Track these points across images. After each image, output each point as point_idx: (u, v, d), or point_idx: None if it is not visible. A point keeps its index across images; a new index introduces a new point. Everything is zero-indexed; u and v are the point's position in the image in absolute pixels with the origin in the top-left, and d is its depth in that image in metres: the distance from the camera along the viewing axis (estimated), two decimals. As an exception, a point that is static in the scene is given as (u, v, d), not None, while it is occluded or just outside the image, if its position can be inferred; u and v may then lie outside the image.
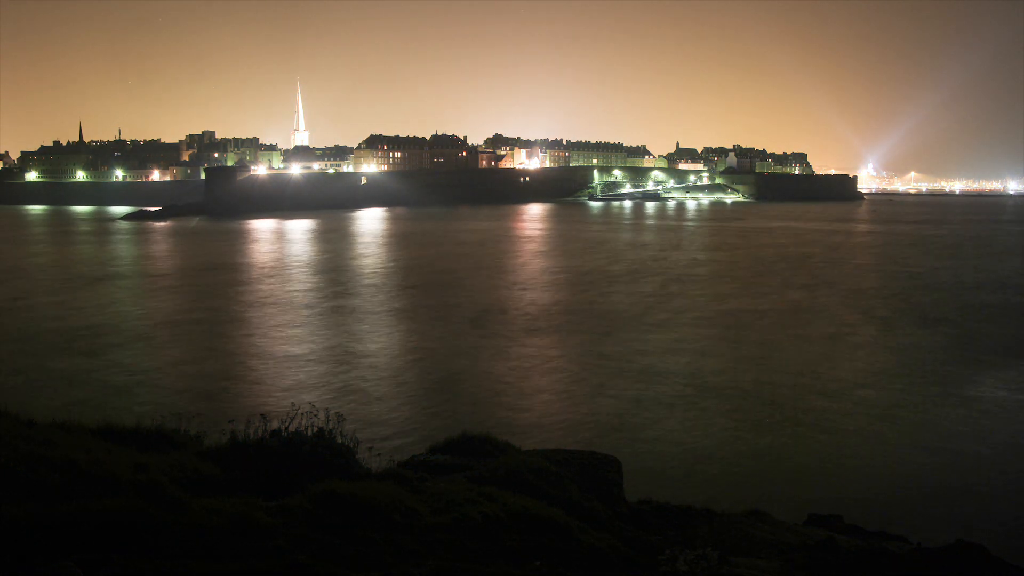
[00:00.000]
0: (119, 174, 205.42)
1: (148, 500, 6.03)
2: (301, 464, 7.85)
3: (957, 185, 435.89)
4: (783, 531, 9.51)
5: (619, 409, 24.47)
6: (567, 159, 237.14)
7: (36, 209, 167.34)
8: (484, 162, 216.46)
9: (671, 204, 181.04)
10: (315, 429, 8.50)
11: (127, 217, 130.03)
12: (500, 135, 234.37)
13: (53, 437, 7.44)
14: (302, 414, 8.59)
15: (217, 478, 7.44)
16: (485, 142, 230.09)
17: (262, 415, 8.57)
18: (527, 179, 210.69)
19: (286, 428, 8.38)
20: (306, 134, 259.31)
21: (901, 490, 18.35)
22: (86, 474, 6.51)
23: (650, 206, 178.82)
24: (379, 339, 35.22)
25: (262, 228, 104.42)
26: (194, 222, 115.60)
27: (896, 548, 8.59)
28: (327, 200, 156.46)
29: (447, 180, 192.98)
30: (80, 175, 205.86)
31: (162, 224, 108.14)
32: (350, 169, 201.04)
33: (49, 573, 4.83)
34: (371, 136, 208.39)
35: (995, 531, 15.64)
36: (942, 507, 17.46)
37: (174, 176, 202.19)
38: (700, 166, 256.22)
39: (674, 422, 23.22)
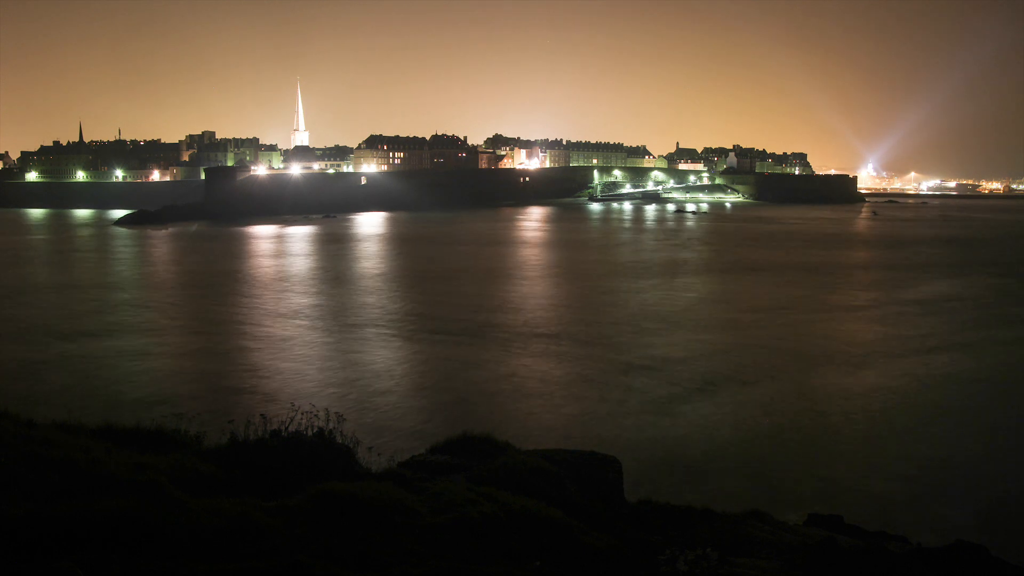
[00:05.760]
0: (119, 174, 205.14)
1: (148, 500, 6.03)
2: (301, 464, 7.84)
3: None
4: (783, 531, 9.51)
5: (619, 410, 24.47)
6: (567, 159, 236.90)
7: (36, 213, 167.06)
8: (484, 162, 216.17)
9: (671, 207, 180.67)
10: (315, 429, 8.49)
11: (124, 221, 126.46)
12: (500, 135, 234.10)
13: (53, 437, 7.44)
14: (302, 414, 8.58)
15: (217, 478, 7.43)
16: (485, 142, 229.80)
17: (262, 415, 8.56)
18: (527, 179, 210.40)
19: (286, 428, 8.37)
20: (306, 134, 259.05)
21: (901, 490, 18.35)
22: (86, 474, 6.51)
23: (650, 209, 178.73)
24: (379, 341, 35.21)
25: (262, 234, 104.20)
26: (193, 227, 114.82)
27: (896, 548, 8.59)
28: (327, 202, 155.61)
29: (447, 180, 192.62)
30: (80, 175, 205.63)
31: (160, 232, 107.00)
32: (350, 169, 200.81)
33: (49, 573, 4.83)
34: (371, 136, 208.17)
35: (995, 531, 15.64)
36: (942, 507, 17.46)
37: (174, 176, 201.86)
38: (700, 166, 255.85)
39: (674, 423, 23.22)
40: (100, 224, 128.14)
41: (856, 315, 42.55)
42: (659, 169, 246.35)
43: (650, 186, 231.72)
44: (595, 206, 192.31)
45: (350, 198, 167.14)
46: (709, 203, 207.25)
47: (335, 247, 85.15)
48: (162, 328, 38.64)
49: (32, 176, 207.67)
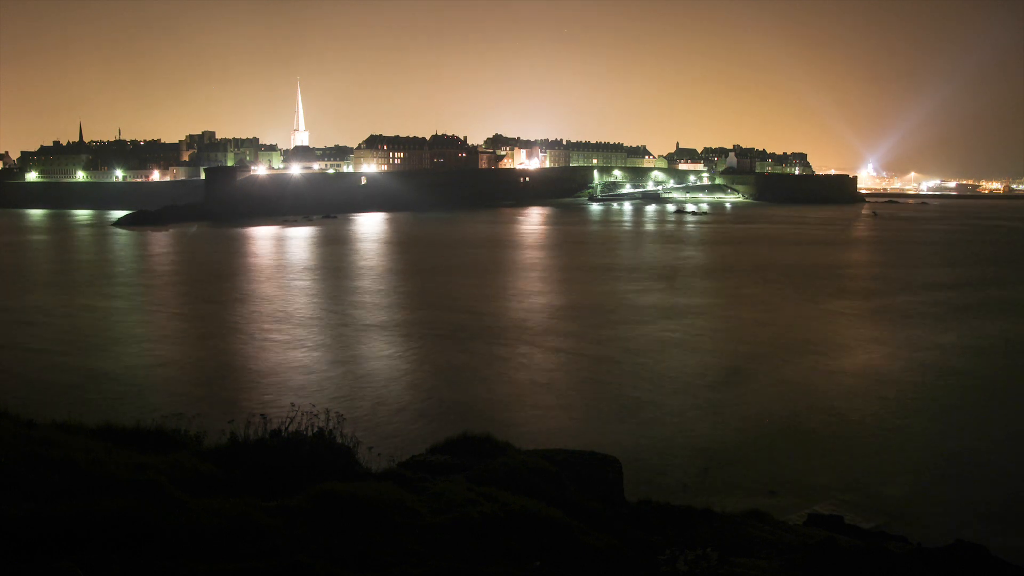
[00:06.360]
0: (119, 174, 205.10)
1: (148, 500, 6.03)
2: (301, 464, 7.84)
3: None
4: (783, 531, 9.51)
5: (619, 409, 24.47)
6: (567, 159, 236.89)
7: (36, 213, 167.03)
8: (484, 162, 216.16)
9: (671, 207, 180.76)
10: (315, 429, 8.49)
11: (124, 222, 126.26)
12: (500, 135, 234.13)
13: (53, 437, 7.44)
14: (302, 415, 8.58)
15: (217, 478, 7.43)
16: (485, 142, 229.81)
17: (262, 415, 8.56)
18: (527, 179, 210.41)
19: (286, 428, 8.37)
20: (306, 134, 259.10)
21: (901, 490, 18.35)
22: (86, 474, 6.51)
23: (650, 209, 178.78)
24: (379, 341, 35.22)
25: (263, 235, 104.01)
26: (193, 228, 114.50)
27: (896, 548, 8.59)
28: (327, 202, 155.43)
29: (447, 180, 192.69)
30: (80, 175, 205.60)
31: (160, 233, 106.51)
32: (350, 169, 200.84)
33: (49, 573, 4.83)
34: (371, 136, 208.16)
35: (995, 531, 15.64)
36: (942, 507, 17.46)
37: (174, 176, 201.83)
38: (700, 166, 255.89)
39: (674, 423, 23.22)
40: (99, 225, 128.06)
41: (856, 316, 42.55)
42: (659, 169, 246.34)
43: (650, 186, 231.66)
44: (595, 206, 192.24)
45: (350, 198, 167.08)
46: (709, 203, 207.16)
47: (335, 248, 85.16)
48: (162, 329, 38.64)
49: (32, 176, 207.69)
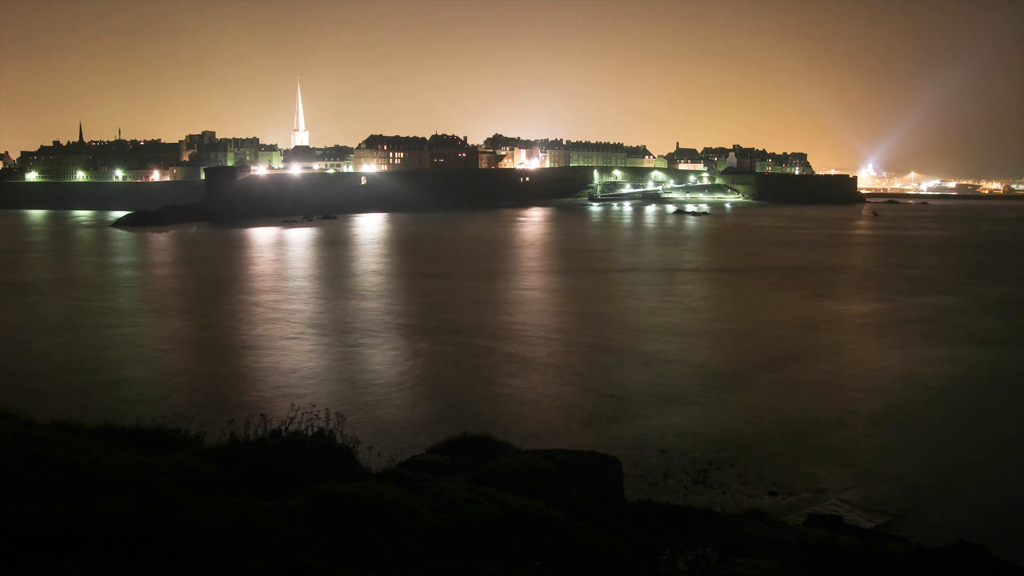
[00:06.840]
0: (119, 174, 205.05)
1: (148, 500, 6.03)
2: (301, 464, 7.85)
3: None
4: (783, 531, 9.51)
5: (620, 410, 24.47)
6: (567, 159, 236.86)
7: (36, 213, 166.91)
8: (484, 162, 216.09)
9: (671, 207, 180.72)
10: (315, 429, 8.50)
11: (123, 222, 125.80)
12: (500, 135, 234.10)
13: (53, 437, 7.44)
14: (302, 415, 8.60)
15: (217, 478, 7.43)
16: (485, 142, 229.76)
17: (262, 415, 8.57)
18: (527, 179, 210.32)
19: (286, 428, 8.38)
20: (306, 134, 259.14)
21: (902, 490, 18.35)
22: (86, 474, 6.52)
23: (650, 209, 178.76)
24: (379, 341, 35.22)
25: (263, 235, 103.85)
26: (193, 229, 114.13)
27: (896, 548, 8.59)
28: (327, 202, 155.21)
29: (447, 180, 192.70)
30: (80, 175, 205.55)
31: (160, 234, 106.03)
32: (350, 169, 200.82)
33: (49, 573, 4.83)
34: (371, 136, 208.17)
35: (995, 531, 15.64)
36: (942, 507, 17.46)
37: (174, 176, 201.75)
38: (700, 166, 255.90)
39: (674, 423, 23.22)
40: (99, 225, 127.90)
41: (857, 317, 42.54)
42: (659, 169, 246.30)
43: (650, 186, 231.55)
44: (595, 206, 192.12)
45: (350, 198, 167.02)
46: (709, 203, 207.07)
47: (335, 248, 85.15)
48: (161, 329, 38.64)
49: (32, 176, 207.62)
